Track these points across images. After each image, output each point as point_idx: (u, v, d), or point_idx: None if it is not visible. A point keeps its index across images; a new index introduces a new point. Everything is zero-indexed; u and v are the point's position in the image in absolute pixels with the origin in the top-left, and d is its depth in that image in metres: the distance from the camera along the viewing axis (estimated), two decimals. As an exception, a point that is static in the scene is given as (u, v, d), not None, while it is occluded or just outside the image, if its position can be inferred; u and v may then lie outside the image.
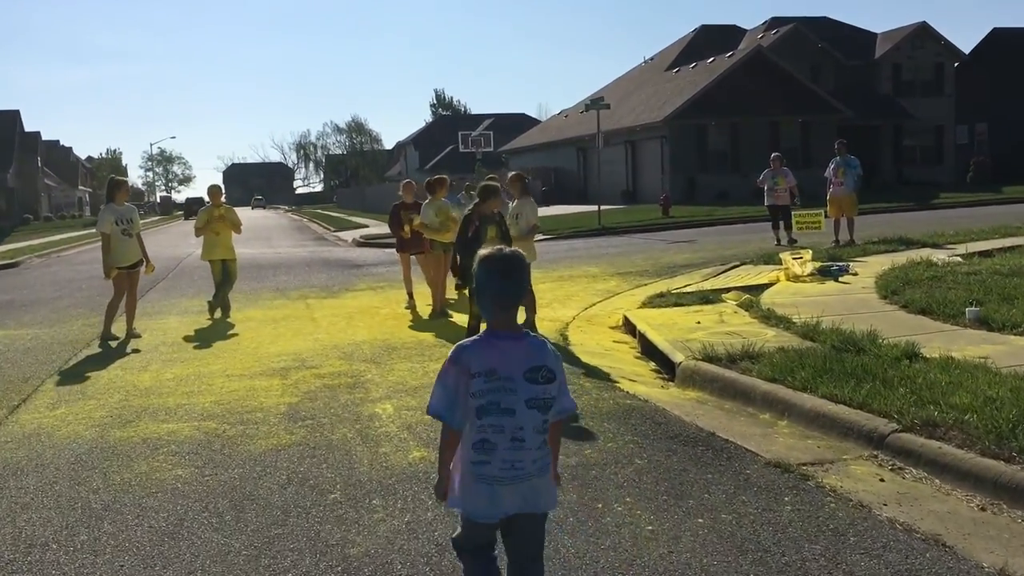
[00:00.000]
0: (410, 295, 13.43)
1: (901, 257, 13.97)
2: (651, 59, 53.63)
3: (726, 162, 38.93)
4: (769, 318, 9.87)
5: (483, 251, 3.14)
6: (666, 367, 8.83)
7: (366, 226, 41.64)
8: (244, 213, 14.64)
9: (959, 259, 12.81)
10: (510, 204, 11.09)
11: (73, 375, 8.96)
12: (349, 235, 36.20)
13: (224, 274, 12.98)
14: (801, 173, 40.52)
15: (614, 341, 10.53)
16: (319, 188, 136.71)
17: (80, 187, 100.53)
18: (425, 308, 12.65)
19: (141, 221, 11.85)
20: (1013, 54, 47.99)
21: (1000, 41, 50.08)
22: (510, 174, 11.29)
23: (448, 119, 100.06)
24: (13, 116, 72.21)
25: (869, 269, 13.01)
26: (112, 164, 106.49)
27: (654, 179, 39.27)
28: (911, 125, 45.16)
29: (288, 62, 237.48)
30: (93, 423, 6.90)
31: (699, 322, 10.12)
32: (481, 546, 3.24)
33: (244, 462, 5.76)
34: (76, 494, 5.25)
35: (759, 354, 7.88)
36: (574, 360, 8.80)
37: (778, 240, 18.71)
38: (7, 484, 5.53)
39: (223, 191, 13.49)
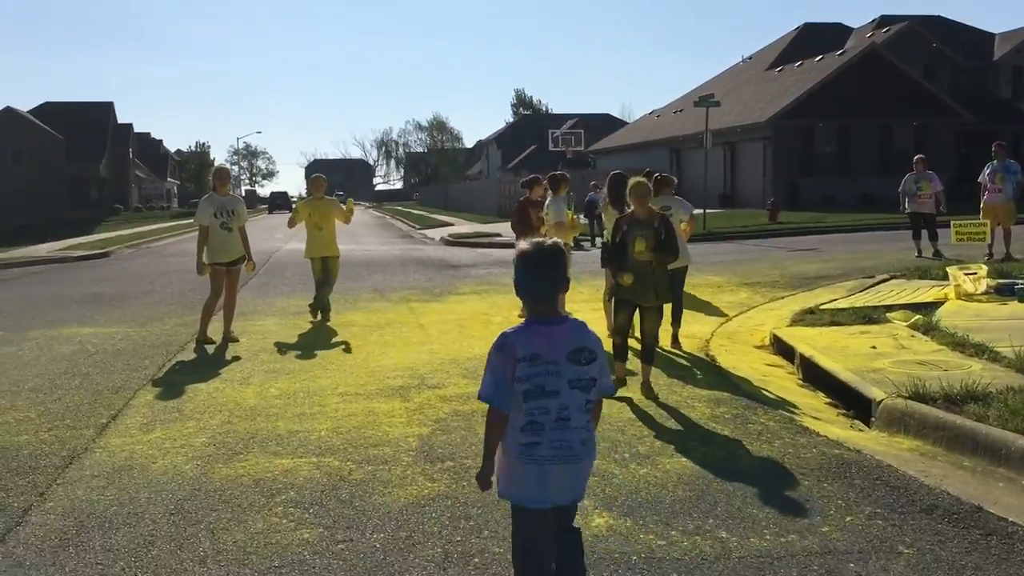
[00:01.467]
0: (525, 302, 12.22)
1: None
2: (749, 58, 51.61)
3: (832, 166, 36.85)
4: (963, 345, 8.35)
5: (522, 244, 3.24)
6: (846, 401, 7.47)
7: (451, 224, 40.80)
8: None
9: None
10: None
11: (168, 387, 7.94)
12: (436, 233, 35.31)
13: (325, 272, 11.94)
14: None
15: (767, 365, 9.15)
16: (399, 185, 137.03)
17: (169, 179, 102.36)
18: None
19: None
20: None
21: None
22: (656, 175, 9.98)
23: (531, 118, 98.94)
24: (107, 108, 73.48)
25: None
26: (200, 157, 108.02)
27: (754, 182, 37.43)
28: (1031, 131, 42.41)
29: (371, 60, 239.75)
30: (194, 453, 5.81)
31: (874, 347, 8.67)
32: (541, 551, 3.23)
33: (383, 522, 4.57)
34: (178, 562, 4.12)
35: (985, 394, 6.41)
36: (733, 387, 7.48)
37: (919, 251, 16.97)
38: (92, 541, 4.41)
39: (327, 181, 12.43)
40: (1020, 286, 11.05)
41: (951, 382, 6.65)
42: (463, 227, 37.07)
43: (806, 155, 36.79)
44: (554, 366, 3.11)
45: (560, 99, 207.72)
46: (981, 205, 16.05)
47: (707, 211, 28.35)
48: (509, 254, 22.70)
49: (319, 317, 11.75)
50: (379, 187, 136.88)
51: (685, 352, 9.40)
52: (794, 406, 7.14)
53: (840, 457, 5.56)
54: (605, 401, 3.54)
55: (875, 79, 36.76)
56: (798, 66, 41.47)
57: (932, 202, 16.94)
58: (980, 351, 8.08)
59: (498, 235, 30.94)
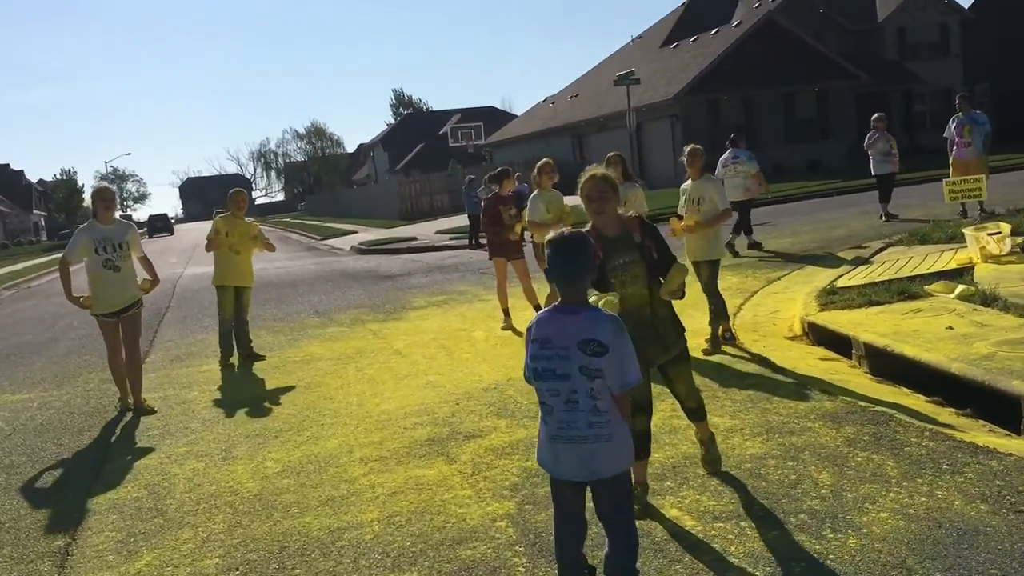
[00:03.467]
0: (506, 312, 10.75)
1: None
2: (639, 37, 51.09)
3: (745, 137, 36.44)
4: (1053, 317, 7.29)
5: (551, 233, 3.48)
6: (949, 398, 6.34)
7: (354, 232, 38.78)
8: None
9: None
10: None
11: (128, 474, 6.12)
12: (342, 242, 33.31)
13: (238, 306, 10.07)
14: (819, 146, 38.78)
15: (821, 359, 7.94)
16: (281, 197, 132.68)
17: (35, 211, 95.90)
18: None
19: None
20: (1010, 13, 46.15)
21: (995, 1, 48.23)
22: (688, 148, 8.65)
23: (414, 117, 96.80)
24: (-41, 140, 67.83)
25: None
26: (67, 185, 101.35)
27: (664, 161, 36.66)
28: (919, 89, 43.12)
29: (238, 71, 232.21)
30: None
31: (950, 327, 7.53)
32: (568, 502, 3.47)
33: None
34: None
35: None
36: (824, 395, 6.19)
37: (888, 215, 16.26)
38: None
39: (248, 197, 10.51)
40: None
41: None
42: (369, 234, 35.14)
43: (714, 129, 36.26)
44: (564, 351, 3.29)
45: (438, 96, 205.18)
46: (951, 161, 15.31)
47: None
48: (444, 258, 21.27)
49: (233, 359, 9.97)
50: (260, 201, 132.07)
51: (736, 349, 8.14)
52: (915, 413, 5.92)
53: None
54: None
55: (774, 48, 36.52)
56: (694, 41, 41.00)
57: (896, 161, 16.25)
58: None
59: (414, 239, 29.26)
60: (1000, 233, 10.45)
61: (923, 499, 4.27)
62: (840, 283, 10.43)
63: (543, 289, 12.24)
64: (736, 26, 38.69)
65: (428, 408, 7.04)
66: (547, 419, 3.39)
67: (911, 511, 4.16)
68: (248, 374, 9.36)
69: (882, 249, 12.72)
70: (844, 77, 37.80)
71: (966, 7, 46.28)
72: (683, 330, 4.81)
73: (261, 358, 10.05)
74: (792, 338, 9.02)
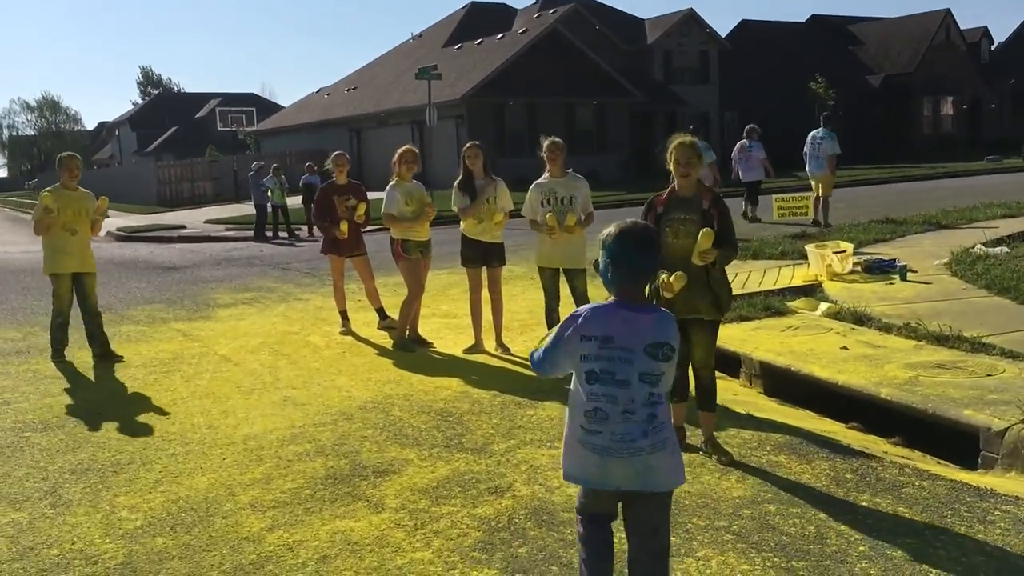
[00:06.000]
0: (344, 315, 9.58)
1: (915, 247, 12.05)
2: (419, 36, 50.32)
3: (524, 145, 36.60)
4: (943, 339, 7.26)
5: (618, 223, 3.09)
6: (864, 421, 6.14)
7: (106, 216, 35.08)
8: None
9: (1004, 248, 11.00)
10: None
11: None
12: (96, 228, 29.89)
13: (81, 296, 8.41)
14: (597, 158, 39.68)
15: (741, 387, 7.47)
16: (3, 173, 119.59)
17: None
18: (368, 331, 9.10)
19: None
20: (761, 46, 49.87)
21: (749, 33, 51.97)
22: (548, 141, 7.83)
23: (167, 98, 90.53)
24: None
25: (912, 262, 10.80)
26: None
27: (447, 163, 35.96)
28: (683, 111, 45.47)
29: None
30: None
31: (845, 347, 7.35)
32: (599, 513, 3.12)
33: None
34: None
35: None
36: (759, 423, 5.71)
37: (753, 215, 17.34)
38: None
39: (81, 162, 8.71)
40: (886, 262, 10.46)
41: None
42: (126, 219, 31.88)
43: (499, 134, 36.19)
44: (628, 354, 2.95)
45: (192, 78, 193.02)
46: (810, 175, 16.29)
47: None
48: (229, 250, 19.29)
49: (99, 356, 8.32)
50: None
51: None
52: (863, 443, 5.57)
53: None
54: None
55: (558, 58, 37.02)
56: (479, 44, 40.79)
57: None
58: (972, 344, 7.02)
59: (182, 227, 26.74)
60: (844, 252, 10.62)
61: (981, 558, 3.75)
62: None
63: (398, 290, 11.16)
64: (522, 33, 38.92)
65: (304, 432, 5.83)
66: (597, 428, 2.97)
67: (982, 574, 3.62)
68: (79, 379, 7.61)
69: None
70: (621, 93, 39.04)
71: (724, 37, 49.44)
72: (732, 299, 5.64)
73: (120, 359, 8.30)
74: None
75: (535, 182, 7.79)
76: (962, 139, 48.76)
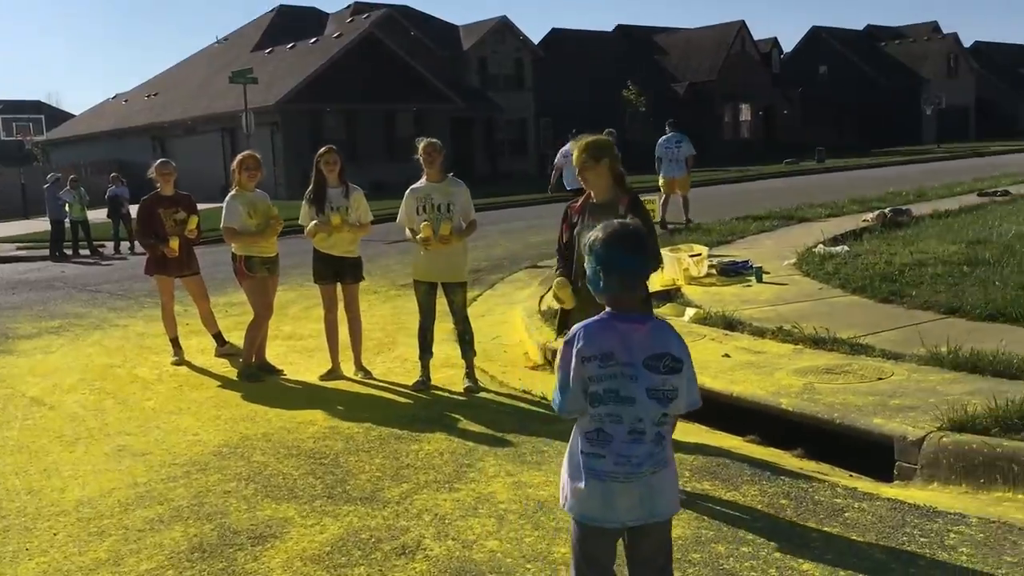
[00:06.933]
0: (175, 343, 8.54)
1: (758, 248, 12.18)
2: (224, 39, 47.90)
3: (344, 152, 35.43)
4: (819, 342, 7.16)
5: (607, 227, 2.78)
6: (763, 434, 5.86)
7: None
8: None
9: (846, 248, 11.25)
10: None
11: None
12: None
13: None
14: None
15: None
16: None
17: None
18: (205, 359, 8.16)
19: None
20: (572, 54, 50.93)
21: (560, 41, 52.95)
22: (424, 142, 7.15)
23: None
24: None
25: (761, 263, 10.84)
26: None
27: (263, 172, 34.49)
28: (500, 118, 45.57)
29: None
30: None
31: (727, 355, 7.13)
32: (601, 566, 2.81)
33: None
34: None
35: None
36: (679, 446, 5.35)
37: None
38: None
39: None
40: (740, 264, 10.44)
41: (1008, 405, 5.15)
42: None
43: (317, 141, 34.77)
44: (630, 369, 2.68)
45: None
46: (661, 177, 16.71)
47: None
48: (23, 272, 17.14)
49: None
50: None
51: (498, 385, 7.02)
52: (773, 460, 5.28)
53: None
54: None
55: (375, 64, 36.11)
56: (291, 48, 39.21)
57: None
58: (851, 347, 6.94)
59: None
60: (700, 255, 10.53)
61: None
62: (556, 305, 9.76)
63: (230, 311, 10.12)
64: (337, 37, 37.76)
65: (151, 491, 4.90)
66: (600, 451, 2.70)
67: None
68: None
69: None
70: (440, 100, 38.63)
71: (537, 44, 50.05)
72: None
73: None
74: (535, 368, 8.11)
75: (411, 187, 7.10)
76: (759, 143, 51.66)
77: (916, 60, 62.18)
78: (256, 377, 7.56)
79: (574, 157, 4.80)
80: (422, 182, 7.06)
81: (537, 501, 4.49)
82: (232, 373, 7.81)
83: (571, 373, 2.73)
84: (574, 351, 2.73)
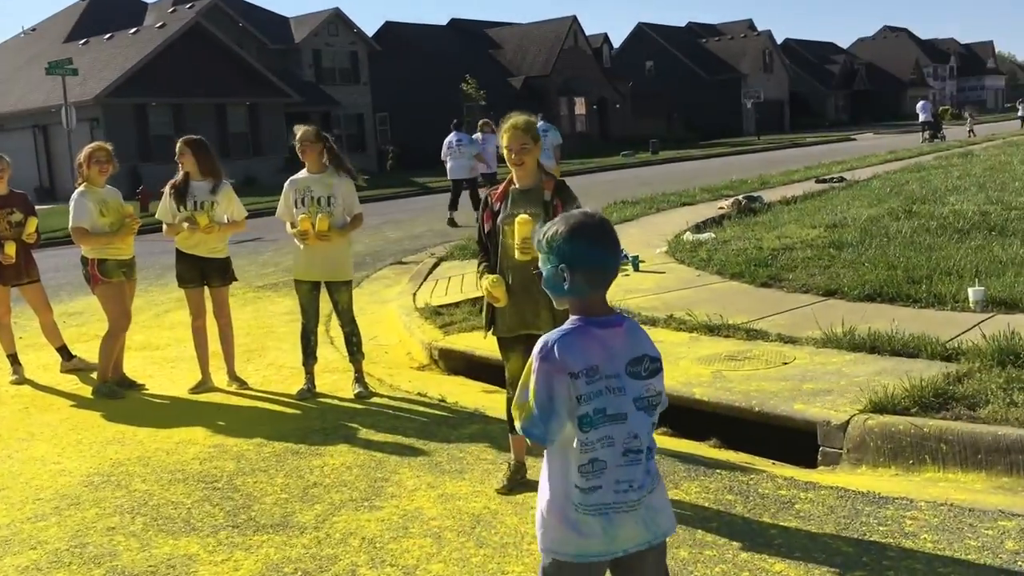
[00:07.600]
0: (14, 359, 7.64)
1: (624, 237, 12.16)
2: (32, 30, 44.42)
3: (171, 149, 33.41)
4: (713, 329, 7.12)
5: (569, 219, 2.40)
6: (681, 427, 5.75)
7: None
8: None
9: (711, 235, 11.40)
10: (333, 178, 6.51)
11: None
12: None
13: None
14: (253, 161, 37.36)
15: (485, 391, 6.84)
16: None
17: None
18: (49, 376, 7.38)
19: None
20: (407, 47, 50.34)
21: (394, 34, 52.21)
22: (302, 130, 6.58)
23: None
24: None
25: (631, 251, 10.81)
26: None
27: (81, 171, 32.14)
28: (336, 112, 44.45)
29: None
30: None
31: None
32: None
33: None
34: None
35: (951, 393, 5.07)
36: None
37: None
38: None
39: None
40: (624, 254, 10.37)
41: (926, 385, 5.14)
42: None
43: (142, 137, 32.80)
44: (616, 381, 2.32)
45: None
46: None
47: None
48: None
49: None
50: None
51: (388, 389, 6.62)
52: (697, 452, 5.14)
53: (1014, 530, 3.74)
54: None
55: (204, 55, 34.31)
56: (109, 39, 36.66)
57: None
58: (746, 332, 6.94)
59: None
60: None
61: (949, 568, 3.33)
62: (433, 302, 9.38)
63: (70, 322, 9.17)
64: (160, 27, 35.67)
65: (18, 534, 4.21)
66: (596, 482, 2.31)
67: None
68: None
69: (440, 260, 12.01)
70: (274, 94, 37.25)
71: (371, 37, 49.14)
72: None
73: None
74: (421, 368, 7.76)
75: (290, 178, 6.55)
76: (595, 136, 52.75)
77: (735, 56, 65.33)
78: (115, 394, 6.80)
79: (506, 138, 4.35)
80: (303, 173, 6.54)
81: (472, 515, 4.12)
82: (84, 390, 7.02)
83: (555, 391, 2.29)
84: (556, 367, 2.30)
